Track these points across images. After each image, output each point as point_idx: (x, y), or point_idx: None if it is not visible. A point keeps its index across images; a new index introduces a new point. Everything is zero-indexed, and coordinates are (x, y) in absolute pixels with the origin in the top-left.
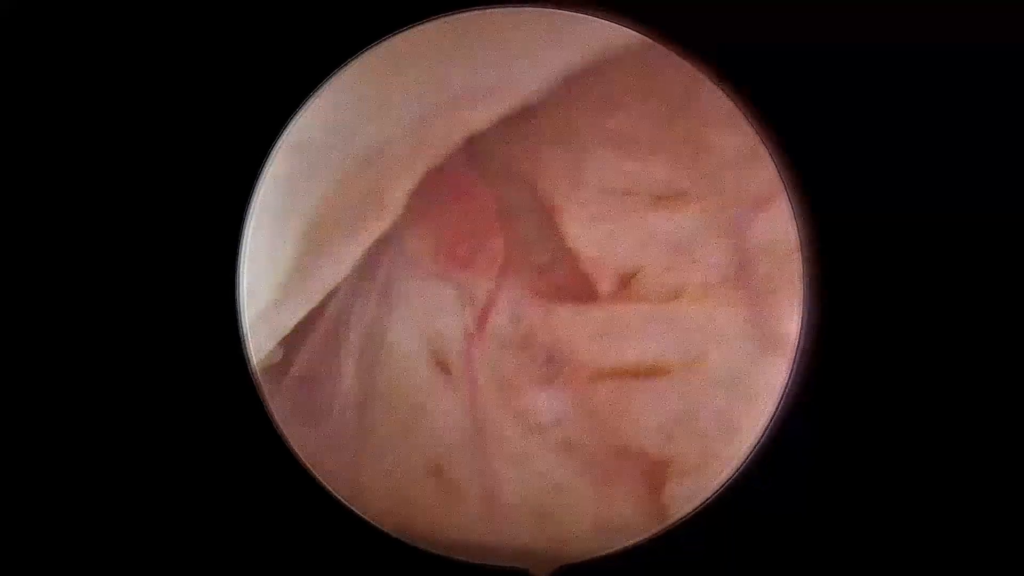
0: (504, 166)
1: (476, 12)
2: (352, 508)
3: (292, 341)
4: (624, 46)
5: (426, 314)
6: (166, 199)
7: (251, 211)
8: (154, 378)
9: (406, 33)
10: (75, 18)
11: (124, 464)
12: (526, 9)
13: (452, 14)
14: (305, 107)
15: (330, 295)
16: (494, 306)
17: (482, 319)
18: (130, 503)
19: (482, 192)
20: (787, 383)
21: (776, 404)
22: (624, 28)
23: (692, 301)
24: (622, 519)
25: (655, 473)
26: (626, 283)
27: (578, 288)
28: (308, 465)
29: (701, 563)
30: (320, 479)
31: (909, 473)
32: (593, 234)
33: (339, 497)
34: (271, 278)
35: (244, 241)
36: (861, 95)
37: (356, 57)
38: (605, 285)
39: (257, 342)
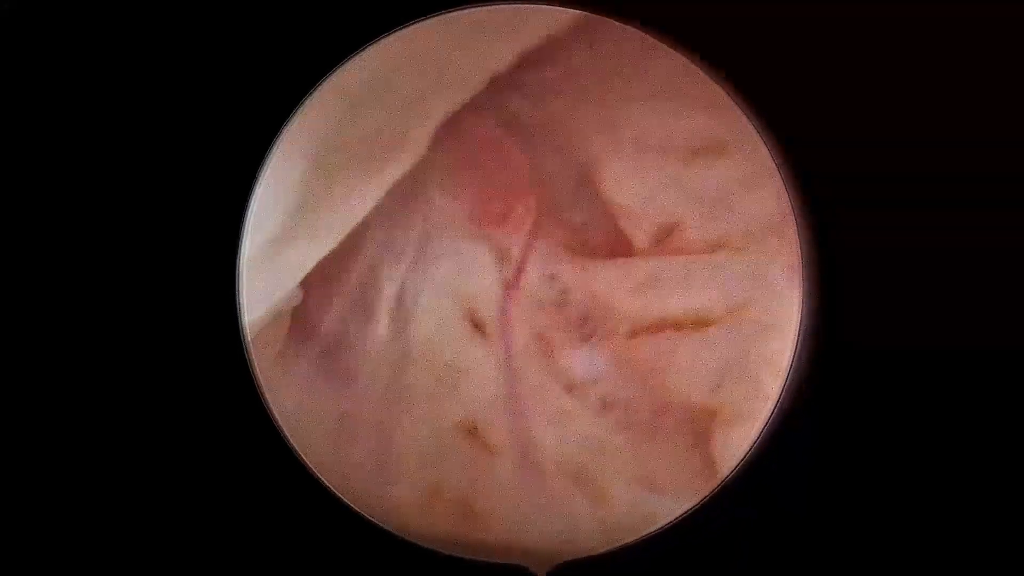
0: (534, 121)
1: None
2: (351, 504)
3: (312, 286)
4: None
5: (459, 272)
6: (167, 195)
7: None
8: (154, 353)
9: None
10: (75, 17)
11: (124, 460)
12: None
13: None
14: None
15: (354, 244)
16: (528, 263)
17: (516, 277)
18: (130, 501)
19: (512, 148)
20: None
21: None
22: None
23: (733, 252)
24: (667, 475)
25: (701, 424)
26: (665, 236)
27: (614, 243)
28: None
29: (699, 562)
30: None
31: (912, 469)
32: (629, 188)
33: (329, 487)
34: (280, 214)
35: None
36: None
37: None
38: (642, 239)
39: (272, 279)
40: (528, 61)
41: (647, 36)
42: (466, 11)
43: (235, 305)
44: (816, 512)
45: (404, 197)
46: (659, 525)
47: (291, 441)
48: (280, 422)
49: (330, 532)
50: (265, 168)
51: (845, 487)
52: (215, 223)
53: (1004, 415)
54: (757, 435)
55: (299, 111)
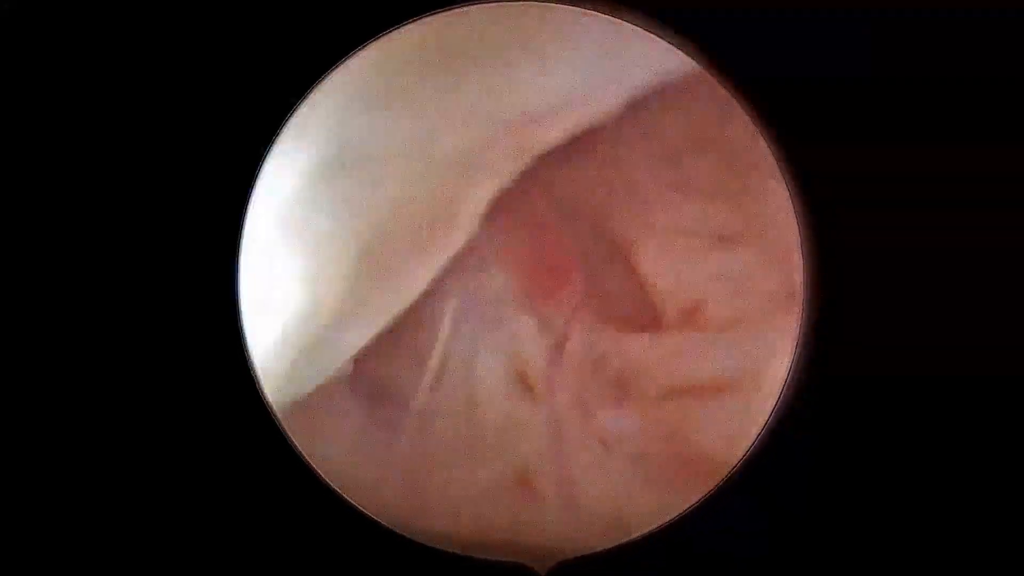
0: (578, 203)
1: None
2: (351, 502)
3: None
4: (681, 74)
5: (512, 339)
6: (167, 195)
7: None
8: (162, 381)
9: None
10: (74, 17)
11: (124, 461)
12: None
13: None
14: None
15: (412, 315)
16: (571, 332)
17: (561, 343)
18: (129, 501)
19: (558, 228)
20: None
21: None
22: (682, 55)
23: (750, 327)
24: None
25: (718, 474)
26: (691, 313)
27: (647, 317)
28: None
29: (699, 561)
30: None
31: (912, 470)
32: (661, 268)
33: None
34: (326, 297)
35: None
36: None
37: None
38: (672, 314)
39: (325, 358)
40: (576, 140)
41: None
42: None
43: (235, 303)
44: (816, 512)
45: (461, 270)
46: (658, 524)
47: (288, 436)
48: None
49: (330, 531)
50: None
51: (845, 487)
52: (217, 220)
53: (1004, 415)
54: (757, 434)
55: (304, 103)
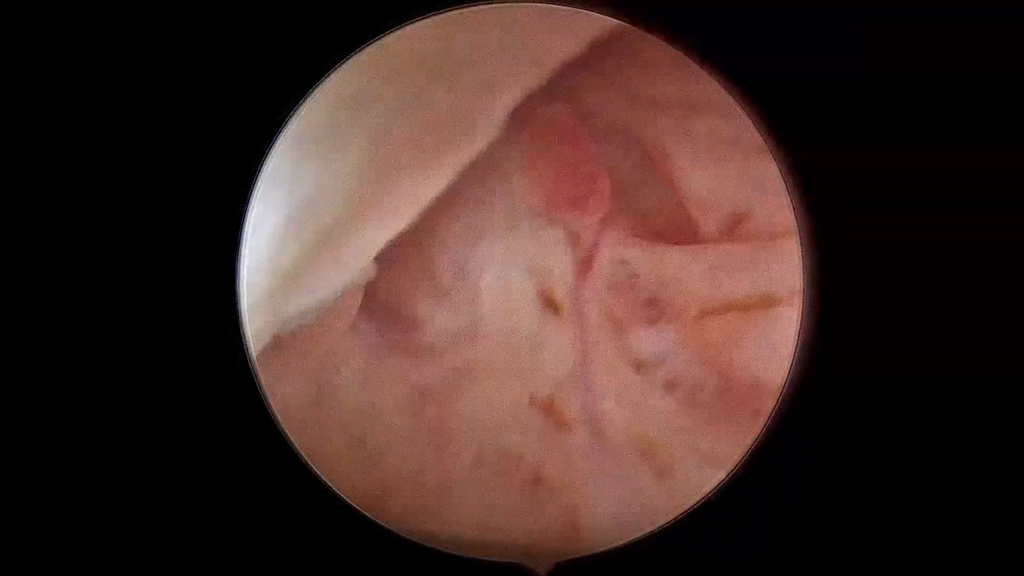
0: (608, 112)
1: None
2: (351, 501)
3: (385, 262)
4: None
5: (535, 253)
6: (167, 195)
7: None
8: (160, 380)
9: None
10: (74, 16)
11: (124, 461)
12: None
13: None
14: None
15: (427, 223)
16: (600, 247)
17: (588, 259)
18: (128, 502)
19: (585, 137)
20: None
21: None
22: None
23: (793, 241)
24: (727, 451)
25: (762, 402)
26: (733, 226)
27: (683, 230)
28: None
29: (698, 561)
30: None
31: (913, 468)
32: (700, 177)
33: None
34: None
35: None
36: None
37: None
38: (711, 226)
39: (339, 263)
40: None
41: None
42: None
43: (235, 303)
44: (816, 512)
45: (481, 178)
46: (659, 524)
47: (287, 434)
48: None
49: (330, 531)
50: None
51: (846, 487)
52: (217, 216)
53: (1005, 414)
54: (757, 434)
55: (304, 103)
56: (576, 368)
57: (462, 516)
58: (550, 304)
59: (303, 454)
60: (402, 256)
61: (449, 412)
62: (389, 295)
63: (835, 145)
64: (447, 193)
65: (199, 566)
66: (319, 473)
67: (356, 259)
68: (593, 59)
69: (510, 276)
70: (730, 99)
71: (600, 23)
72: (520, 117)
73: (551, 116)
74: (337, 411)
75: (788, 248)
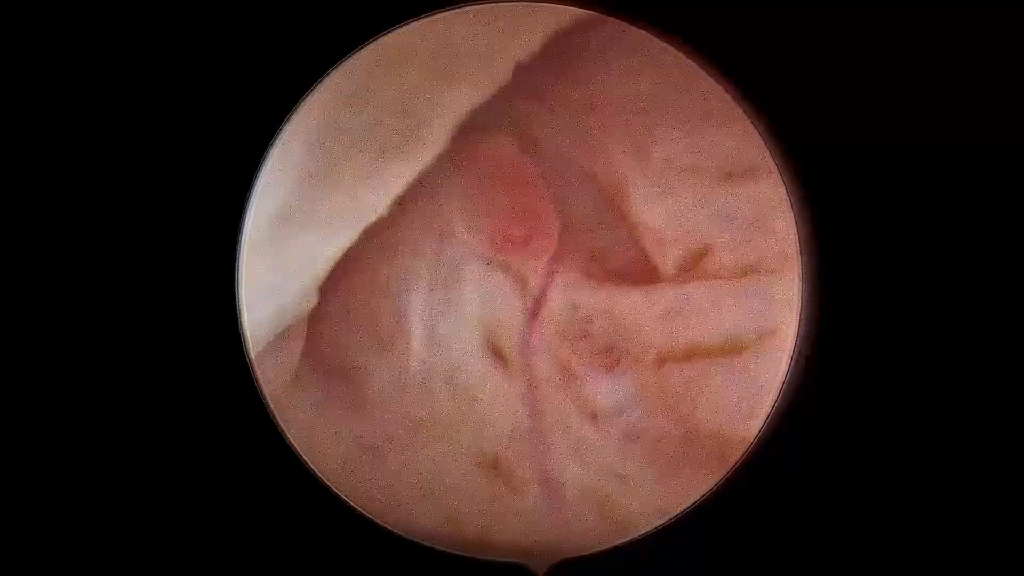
0: (556, 141)
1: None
2: (351, 504)
3: (326, 312)
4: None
5: (480, 299)
6: (167, 195)
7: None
8: (160, 380)
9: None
10: (74, 14)
11: (124, 461)
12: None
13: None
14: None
15: (369, 264)
16: (550, 290)
17: (537, 304)
18: (126, 502)
19: (532, 170)
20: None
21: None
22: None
23: (762, 278)
24: (688, 500)
25: (731, 453)
26: (694, 263)
27: (640, 269)
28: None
29: (697, 560)
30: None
31: (913, 465)
32: (658, 210)
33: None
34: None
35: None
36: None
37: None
38: (670, 264)
39: (281, 268)
40: (554, 68)
41: (675, 51)
42: (476, 8)
43: (235, 304)
44: (815, 511)
45: (422, 220)
46: (657, 524)
47: (298, 451)
48: (291, 438)
49: (330, 530)
50: (267, 160)
51: (846, 487)
52: (216, 217)
53: (1004, 410)
54: (756, 433)
55: (304, 102)
56: (526, 422)
57: None
58: (497, 354)
59: (298, 449)
60: (343, 304)
61: (394, 473)
62: (331, 346)
63: (834, 143)
64: (387, 232)
65: (199, 566)
66: (319, 474)
67: (296, 276)
68: (547, 59)
69: (453, 325)
70: (703, 80)
71: (560, 15)
72: (463, 147)
73: (494, 150)
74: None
75: (756, 286)
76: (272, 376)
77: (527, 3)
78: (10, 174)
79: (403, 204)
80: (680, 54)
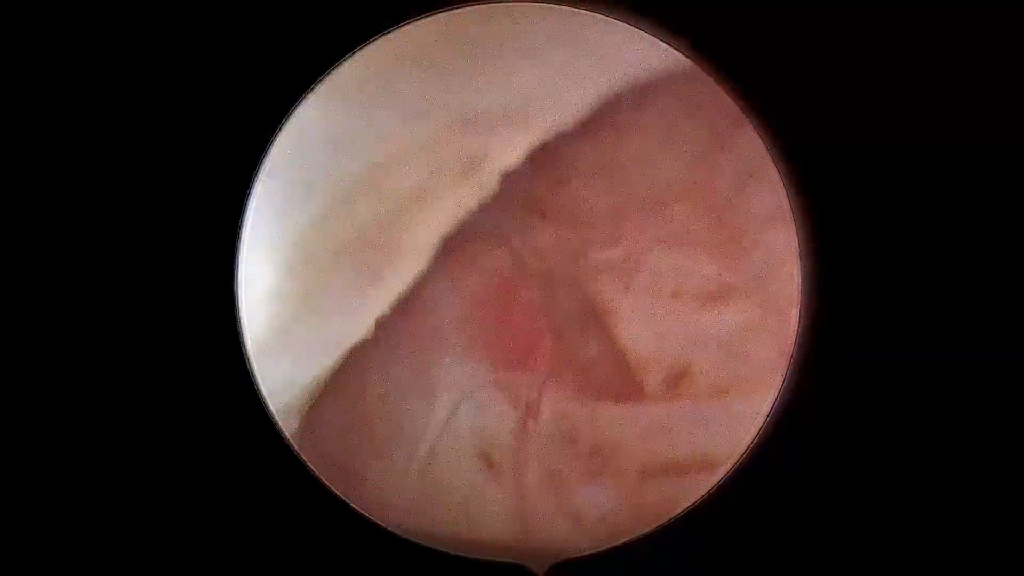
0: (548, 261)
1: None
2: (353, 505)
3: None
4: (665, 70)
5: (473, 413)
6: (166, 195)
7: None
8: (159, 381)
9: (409, 27)
10: (74, 14)
11: (126, 464)
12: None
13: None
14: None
15: (359, 375)
16: (541, 404)
17: (529, 417)
18: (131, 503)
19: (525, 289)
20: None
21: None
22: (668, 48)
23: (740, 395)
24: None
25: None
26: (676, 381)
27: (625, 386)
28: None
29: (696, 560)
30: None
31: (913, 464)
32: (642, 333)
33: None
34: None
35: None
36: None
37: (358, 51)
38: (653, 383)
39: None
40: (542, 177)
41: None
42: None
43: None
44: (814, 511)
45: (414, 341)
46: (655, 525)
47: (287, 435)
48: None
49: (330, 530)
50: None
51: (843, 487)
52: (214, 219)
53: (1004, 410)
54: (755, 433)
55: (301, 105)
56: (515, 532)
57: None
58: (490, 466)
59: (299, 450)
60: (339, 413)
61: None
62: (332, 448)
63: (834, 143)
64: (375, 353)
65: (199, 566)
66: (320, 476)
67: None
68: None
69: (450, 437)
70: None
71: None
72: (455, 261)
73: (487, 264)
74: None
75: (731, 405)
76: (272, 381)
77: (521, 4)
78: (10, 174)
79: (388, 324)
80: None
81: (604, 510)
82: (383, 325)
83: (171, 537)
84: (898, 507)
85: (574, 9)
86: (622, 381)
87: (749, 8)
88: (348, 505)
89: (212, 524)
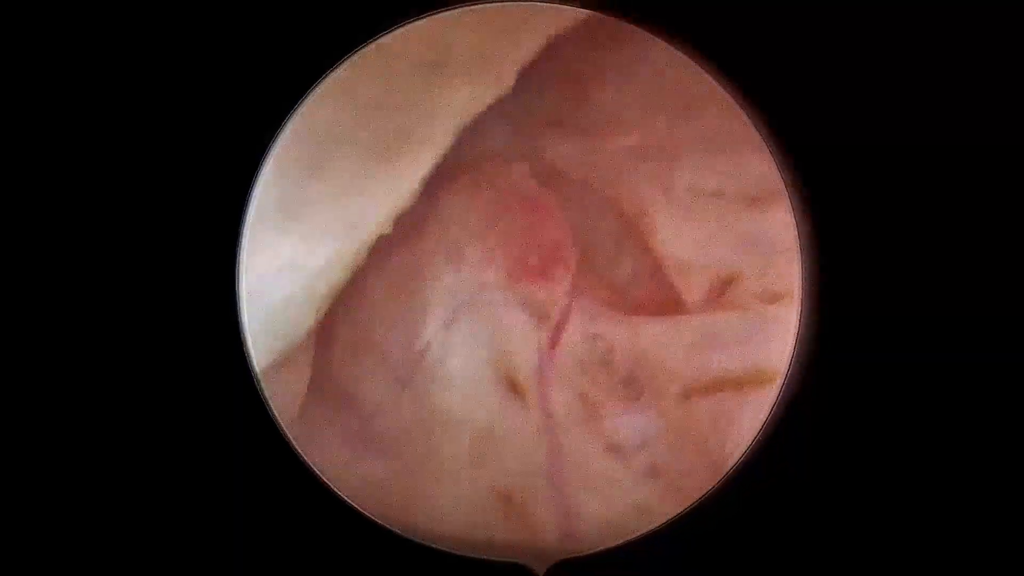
0: (573, 170)
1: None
2: (353, 505)
3: (334, 338)
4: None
5: (494, 331)
6: (167, 195)
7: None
8: (159, 381)
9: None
10: (74, 15)
11: (126, 464)
12: None
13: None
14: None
15: (378, 292)
16: (568, 321)
17: (555, 336)
18: (132, 503)
19: (548, 200)
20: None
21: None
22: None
23: (790, 304)
24: None
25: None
26: (721, 290)
27: (663, 299)
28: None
29: (694, 560)
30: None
31: (913, 462)
32: (683, 239)
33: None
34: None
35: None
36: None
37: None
38: (695, 294)
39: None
40: (564, 85)
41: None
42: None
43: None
44: (815, 511)
45: (429, 245)
46: (657, 524)
47: (287, 436)
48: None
49: (330, 530)
50: (265, 166)
51: (844, 486)
52: (215, 220)
53: (1004, 410)
54: (756, 433)
55: (301, 106)
56: (542, 459)
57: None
58: (513, 388)
59: (299, 451)
60: (351, 336)
61: (408, 511)
62: (340, 378)
63: (834, 141)
64: (393, 256)
65: (199, 566)
66: (319, 474)
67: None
68: (552, 66)
69: (468, 358)
70: (726, 100)
71: (567, 15)
72: (473, 171)
73: (507, 175)
74: None
75: (784, 313)
76: (279, 394)
77: (530, 4)
78: (10, 174)
79: (408, 225)
80: (698, 69)
81: (644, 437)
82: (404, 222)
83: (171, 537)
84: (899, 507)
85: None
86: (660, 293)
87: (749, 8)
88: (349, 505)
89: (212, 524)
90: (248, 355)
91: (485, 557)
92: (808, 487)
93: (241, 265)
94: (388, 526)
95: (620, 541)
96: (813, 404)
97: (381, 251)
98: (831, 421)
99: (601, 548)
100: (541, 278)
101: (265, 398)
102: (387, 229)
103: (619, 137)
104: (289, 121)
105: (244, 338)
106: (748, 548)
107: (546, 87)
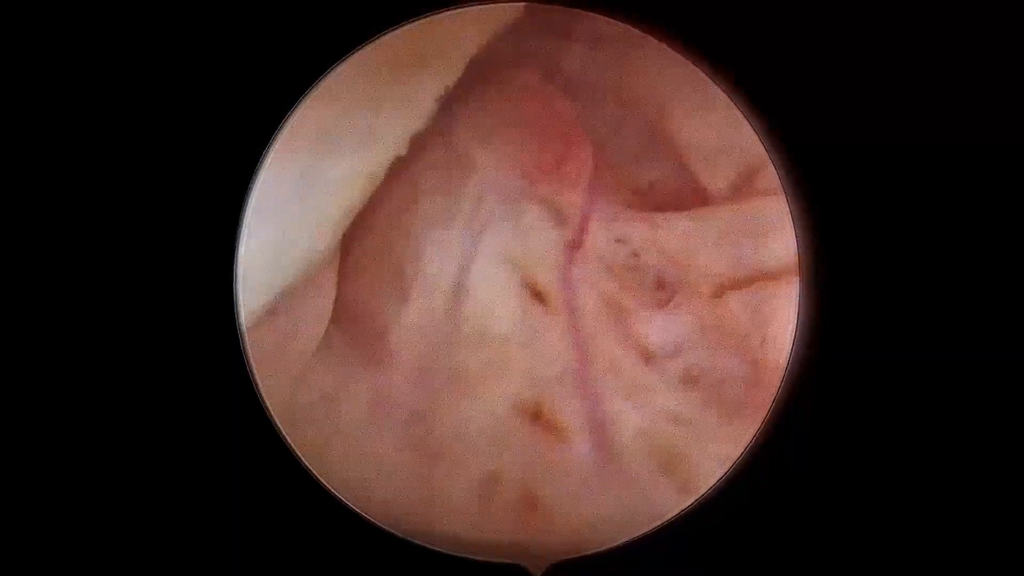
0: (585, 68)
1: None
2: (351, 505)
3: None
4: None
5: (513, 236)
6: (163, 200)
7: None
8: (159, 381)
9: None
10: (73, 14)
11: (125, 465)
12: None
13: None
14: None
15: (389, 210)
16: (590, 222)
17: (578, 237)
18: (132, 504)
19: (557, 96)
20: None
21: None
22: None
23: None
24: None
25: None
26: (748, 179)
27: (687, 193)
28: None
29: (693, 560)
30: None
31: (913, 460)
32: (706, 129)
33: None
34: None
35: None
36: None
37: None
38: (721, 185)
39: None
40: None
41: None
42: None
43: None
44: (814, 510)
45: (442, 155)
46: (654, 525)
47: (286, 437)
48: (273, 411)
49: (330, 532)
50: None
51: (843, 486)
52: (215, 205)
53: (1004, 410)
54: (755, 433)
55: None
56: (570, 367)
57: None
58: (535, 294)
59: (298, 452)
60: (366, 255)
61: (428, 430)
62: (357, 302)
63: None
64: (406, 173)
65: (199, 566)
66: (317, 474)
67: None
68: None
69: (486, 265)
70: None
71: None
72: (481, 80)
73: (517, 81)
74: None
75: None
76: (275, 378)
77: (527, 4)
78: (10, 174)
79: (421, 140)
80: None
81: (675, 338)
82: (414, 171)
83: (171, 537)
84: (899, 507)
85: None
86: (684, 187)
87: (749, 8)
88: (348, 506)
89: (212, 524)
90: (245, 353)
91: (484, 558)
92: (808, 487)
93: (240, 264)
94: (388, 528)
95: (618, 542)
96: (813, 404)
97: (393, 171)
98: (831, 421)
99: (599, 549)
100: (556, 176)
101: (259, 390)
102: (403, 151)
103: (632, 39)
104: (288, 120)
105: (242, 338)
106: (748, 548)
107: (556, 10)
